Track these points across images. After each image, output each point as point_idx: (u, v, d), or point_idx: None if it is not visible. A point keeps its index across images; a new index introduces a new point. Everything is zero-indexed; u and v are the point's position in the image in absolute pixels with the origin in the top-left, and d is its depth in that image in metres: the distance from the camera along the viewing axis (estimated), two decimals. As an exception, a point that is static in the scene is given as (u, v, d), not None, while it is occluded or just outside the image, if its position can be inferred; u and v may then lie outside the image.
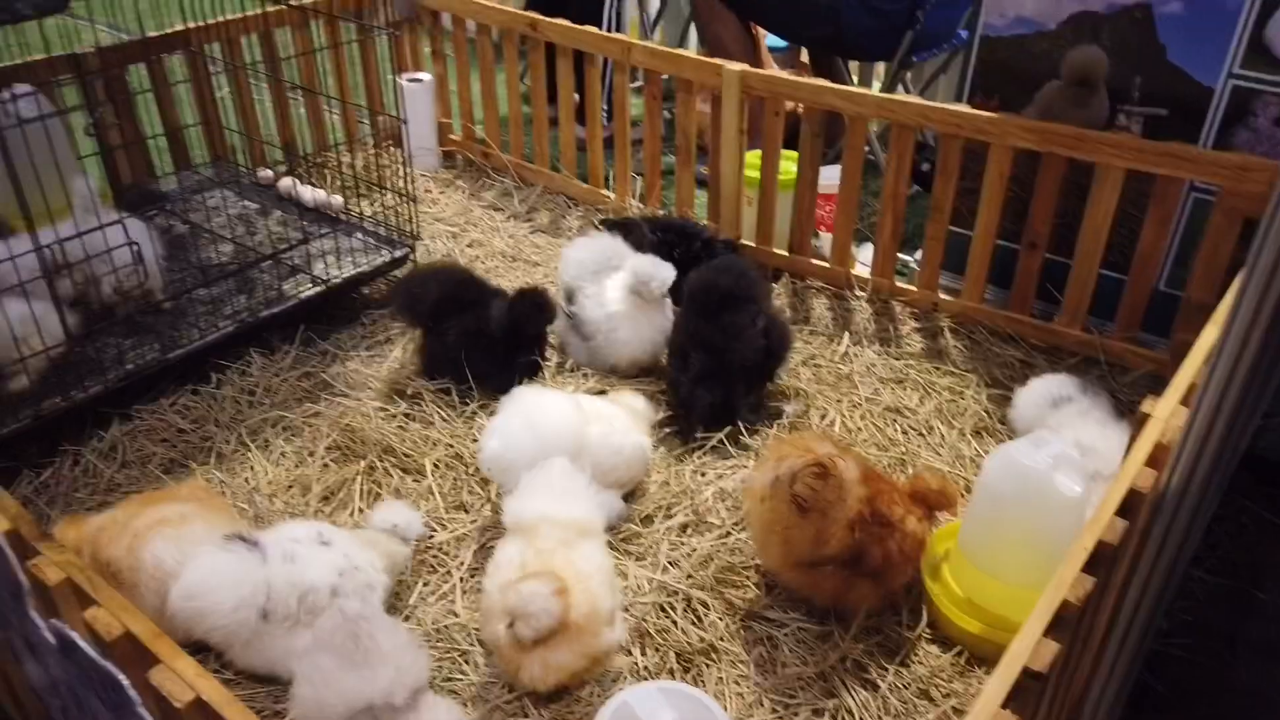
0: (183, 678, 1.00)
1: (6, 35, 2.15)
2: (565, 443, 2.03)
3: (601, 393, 2.49)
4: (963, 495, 2.23)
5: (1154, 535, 1.31)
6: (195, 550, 1.69)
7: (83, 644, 1.12)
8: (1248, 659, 1.91)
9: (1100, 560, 1.20)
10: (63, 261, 2.05)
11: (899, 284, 2.92)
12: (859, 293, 2.96)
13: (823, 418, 2.45)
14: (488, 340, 2.46)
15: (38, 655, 1.36)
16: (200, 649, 1.75)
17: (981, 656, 1.85)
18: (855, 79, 4.00)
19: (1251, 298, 1.11)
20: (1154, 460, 1.36)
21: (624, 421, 2.18)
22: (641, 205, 3.34)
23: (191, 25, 2.95)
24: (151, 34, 2.93)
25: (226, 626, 1.63)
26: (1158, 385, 2.53)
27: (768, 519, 1.84)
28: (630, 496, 2.19)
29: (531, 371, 2.55)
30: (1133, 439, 1.43)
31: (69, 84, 2.82)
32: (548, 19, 3.26)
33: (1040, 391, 2.24)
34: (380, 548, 1.85)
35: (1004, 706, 1.02)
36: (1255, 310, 1.12)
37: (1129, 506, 1.29)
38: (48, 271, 2.01)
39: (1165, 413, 1.41)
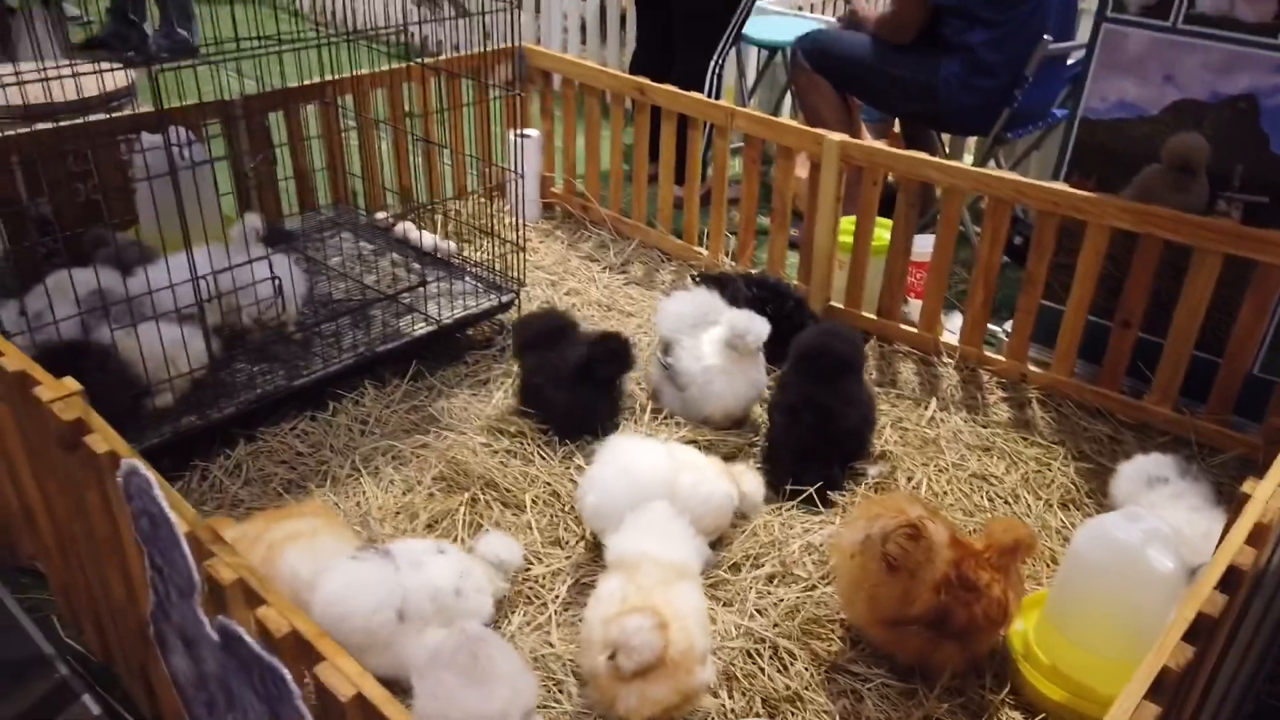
0: (346, 675, 1.11)
1: (168, 81, 2.38)
2: (658, 490, 2.13)
3: (695, 443, 2.58)
4: (1048, 565, 2.26)
5: (1254, 610, 1.35)
6: (328, 561, 1.83)
7: (249, 639, 1.24)
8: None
9: (1200, 631, 1.25)
10: (215, 291, 2.23)
11: (987, 353, 2.97)
12: (946, 359, 3.01)
13: (909, 480, 2.51)
14: (567, 379, 2.58)
15: (192, 650, 1.49)
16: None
17: (1064, 726, 1.87)
18: (947, 149, 4.09)
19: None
20: (1253, 539, 1.40)
21: (713, 471, 2.27)
22: (734, 264, 3.46)
23: (328, 78, 3.18)
24: (291, 85, 3.17)
25: (368, 628, 1.76)
26: (1247, 468, 2.54)
27: (856, 576, 1.91)
28: (717, 545, 2.27)
29: (603, 418, 2.64)
30: (1232, 518, 1.47)
31: (213, 126, 3.07)
32: (655, 84, 3.43)
33: (1139, 469, 2.27)
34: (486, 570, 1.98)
35: (1106, 763, 1.07)
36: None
37: (1228, 581, 1.33)
38: (200, 300, 2.20)
39: (1266, 494, 1.45)
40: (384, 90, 3.44)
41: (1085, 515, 2.39)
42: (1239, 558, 1.35)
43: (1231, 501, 2.32)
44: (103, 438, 1.50)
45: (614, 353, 2.63)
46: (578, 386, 2.58)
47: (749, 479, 2.30)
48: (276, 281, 2.34)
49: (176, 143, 2.05)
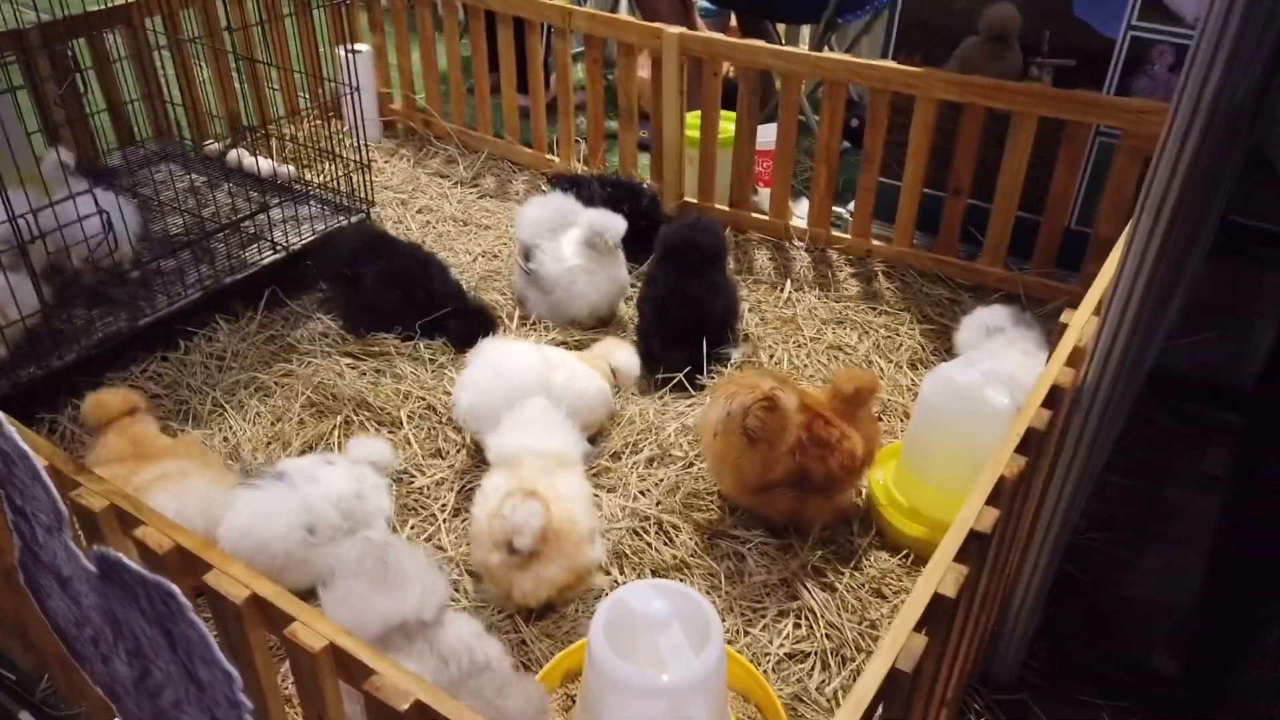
0: (237, 579, 1.11)
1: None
2: (532, 390, 2.17)
3: (564, 344, 2.62)
4: (902, 420, 2.43)
5: (1074, 425, 1.51)
6: (196, 500, 1.80)
7: (129, 562, 1.22)
8: (1156, 548, 2.15)
9: (1030, 443, 1.39)
10: (36, 232, 2.09)
11: (834, 233, 3.11)
12: (797, 243, 3.14)
13: (770, 357, 2.63)
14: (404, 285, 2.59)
15: (68, 588, 1.45)
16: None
17: (926, 558, 2.03)
18: (783, 40, 4.16)
19: (1146, 220, 1.30)
20: (1072, 361, 1.55)
21: (584, 368, 2.32)
22: (586, 168, 3.46)
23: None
24: (93, 9, 2.93)
25: (286, 550, 1.77)
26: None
27: (720, 450, 2.01)
28: (597, 439, 2.34)
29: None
30: (1053, 344, 1.62)
31: (10, 62, 2.81)
32: (487, -13, 3.34)
33: (977, 320, 2.44)
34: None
35: (955, 560, 1.19)
36: (1150, 229, 1.32)
37: (1052, 399, 1.48)
38: (21, 242, 2.05)
39: (1081, 321, 1.61)
40: (192, 11, 3.22)
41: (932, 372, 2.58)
42: (1060, 377, 1.50)
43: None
44: (-66, 385, 1.41)
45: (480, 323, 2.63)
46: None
47: (620, 353, 2.37)
48: (104, 216, 2.20)
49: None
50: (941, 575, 1.14)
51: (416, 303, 2.59)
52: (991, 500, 1.29)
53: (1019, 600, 1.71)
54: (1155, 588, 2.06)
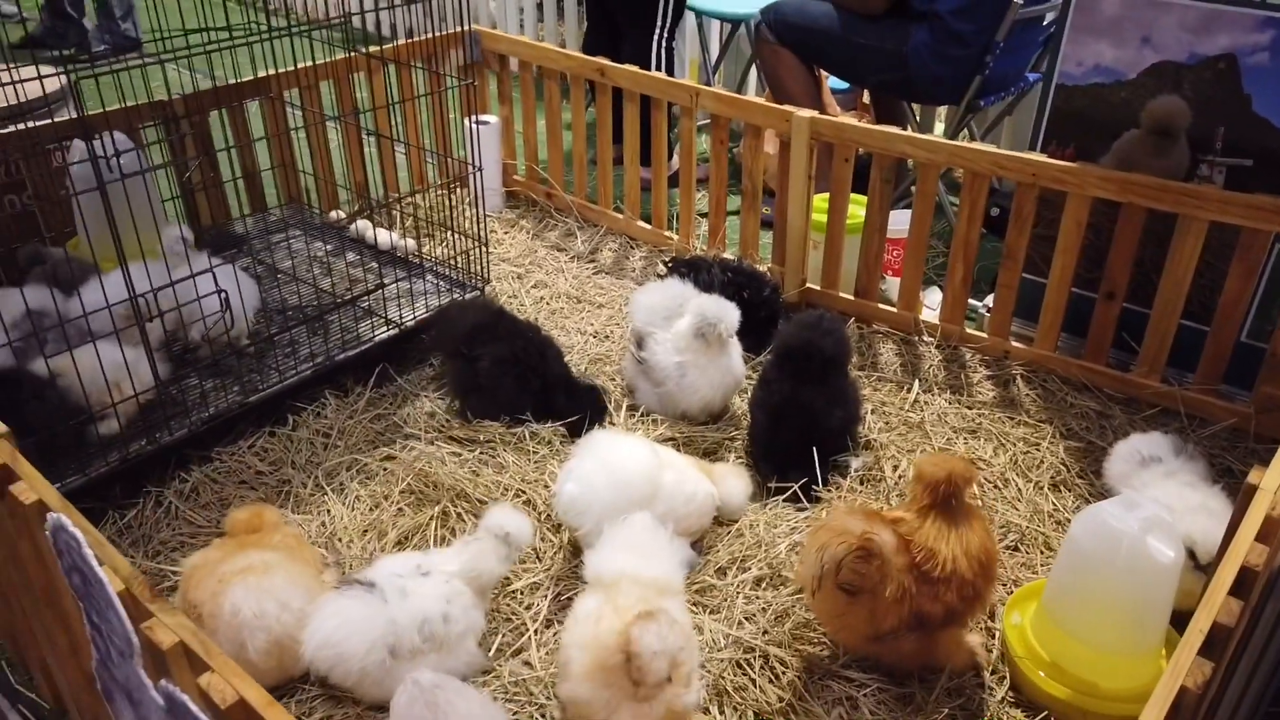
0: (298, 748, 1.01)
1: (97, 82, 2.23)
2: (641, 489, 2.04)
3: (673, 440, 2.49)
4: (1042, 552, 2.19)
5: (1267, 613, 1.28)
6: (274, 600, 1.74)
7: (194, 708, 1.14)
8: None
9: (1215, 642, 1.17)
10: (156, 310, 2.10)
11: (969, 330, 2.89)
12: (927, 339, 2.93)
13: (894, 469, 2.43)
14: (520, 370, 2.50)
15: (139, 710, 1.39)
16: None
17: (1067, 722, 1.81)
18: (918, 118, 3.99)
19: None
20: (1263, 535, 1.32)
21: (694, 471, 2.18)
22: (705, 248, 3.35)
23: (272, 72, 3.02)
24: (233, 80, 3.01)
25: (363, 669, 1.70)
26: (1239, 438, 2.48)
27: (824, 608, 1.83)
28: (701, 546, 2.19)
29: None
30: (1239, 511, 1.39)
31: (151, 127, 2.91)
32: (615, 65, 3.30)
33: (1131, 449, 2.20)
34: (474, 564, 1.87)
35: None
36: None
37: (1240, 583, 1.26)
38: (141, 320, 2.07)
39: (1275, 484, 1.38)
40: (330, 82, 3.29)
41: (1076, 496, 2.33)
42: (1250, 556, 1.28)
43: (1224, 474, 2.28)
44: (30, 486, 1.38)
45: (593, 404, 2.56)
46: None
47: (731, 483, 2.21)
48: (222, 294, 2.21)
49: (103, 153, 1.90)
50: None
51: (530, 389, 2.51)
52: (1171, 716, 1.08)
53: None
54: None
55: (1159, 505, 1.80)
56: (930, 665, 1.86)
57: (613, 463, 2.07)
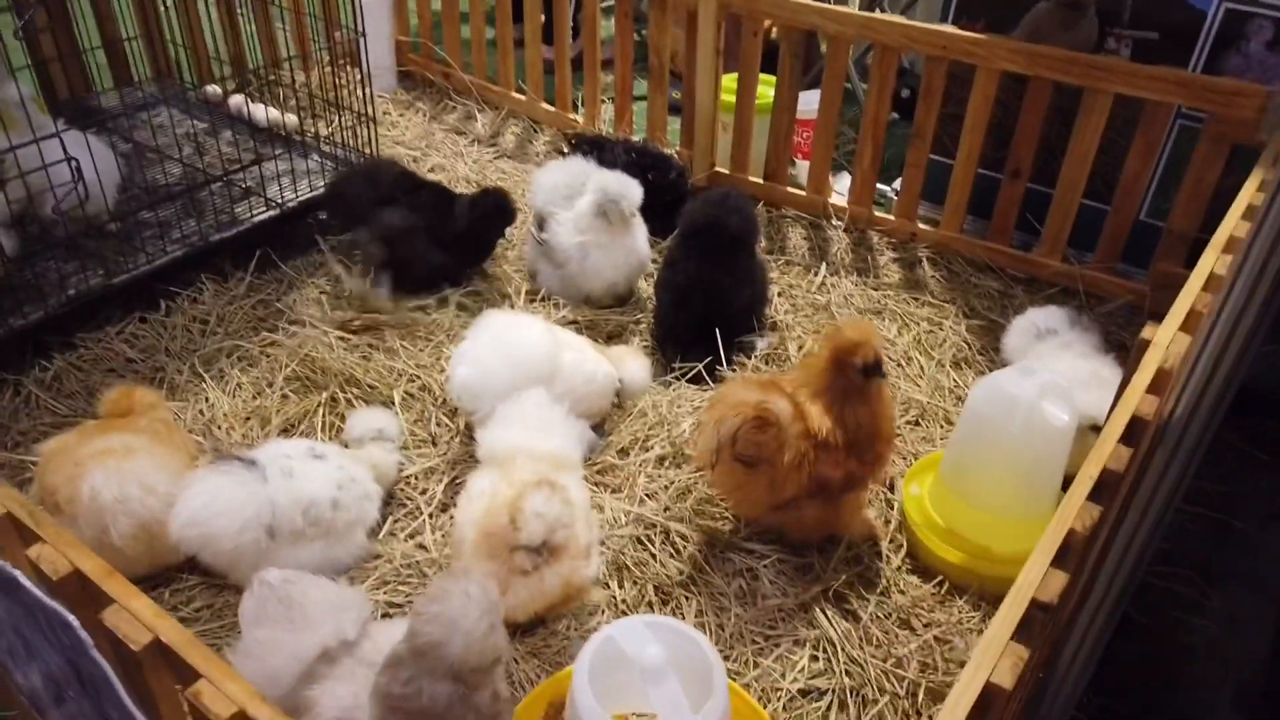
0: (139, 618, 0.92)
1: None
2: (539, 369, 1.96)
3: (575, 323, 2.41)
4: (942, 426, 2.20)
5: (1156, 463, 1.28)
6: (135, 484, 1.62)
7: (26, 582, 1.03)
8: (1223, 588, 1.92)
9: (1105, 488, 1.16)
10: (-6, 177, 1.90)
11: (877, 213, 2.86)
12: (836, 222, 2.89)
13: (799, 349, 2.39)
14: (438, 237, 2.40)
15: (-21, 594, 1.27)
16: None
17: (962, 586, 1.83)
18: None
19: (1272, 225, 1.06)
20: (1154, 387, 1.32)
21: (593, 353, 2.11)
22: (612, 132, 3.22)
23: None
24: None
25: (235, 549, 1.60)
26: (1134, 315, 2.52)
27: (724, 481, 1.79)
28: (603, 428, 2.13)
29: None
30: (1131, 366, 1.38)
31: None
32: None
33: (1028, 322, 2.21)
34: (369, 459, 1.82)
35: (1012, 638, 0.98)
36: (1275, 238, 1.07)
37: (1131, 433, 1.25)
38: (-23, 188, 1.86)
39: (1167, 339, 1.37)
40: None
41: (978, 373, 2.34)
42: (1142, 407, 1.27)
43: (1120, 349, 2.31)
44: None
45: (501, 208, 2.44)
46: (457, 249, 2.43)
47: (631, 365, 2.14)
48: (73, 163, 2.00)
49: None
50: (997, 659, 0.93)
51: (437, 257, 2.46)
52: (1058, 560, 1.06)
53: (1071, 652, 1.49)
54: (1221, 635, 1.83)
55: (1054, 372, 1.81)
56: (832, 533, 1.85)
57: (508, 343, 1.97)
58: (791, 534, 1.86)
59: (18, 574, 1.04)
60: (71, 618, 0.99)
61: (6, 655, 1.33)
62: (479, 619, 1.14)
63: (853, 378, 1.71)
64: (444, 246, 2.43)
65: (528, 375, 1.93)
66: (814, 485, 1.73)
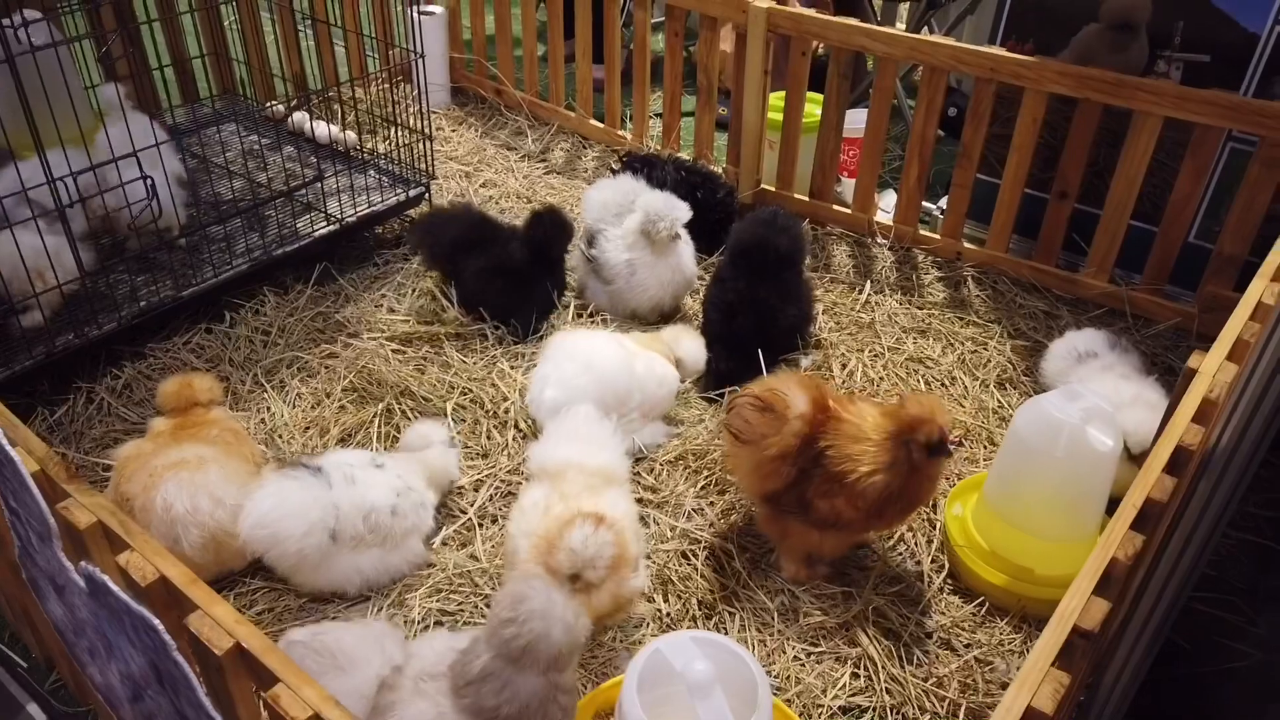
0: (221, 624, 0.98)
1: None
2: (621, 382, 2.07)
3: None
4: (985, 447, 2.21)
5: (1200, 492, 1.29)
6: (208, 495, 1.70)
7: (115, 588, 1.10)
8: (1267, 612, 1.91)
9: (1148, 517, 1.18)
10: (75, 196, 1.99)
11: (922, 232, 2.87)
12: (881, 240, 2.91)
13: (843, 368, 2.42)
14: (507, 276, 2.44)
15: (64, 596, 1.35)
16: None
17: (1003, 607, 1.84)
18: (878, 16, 3.89)
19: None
20: (1200, 416, 1.33)
21: (656, 356, 2.18)
22: (659, 147, 3.27)
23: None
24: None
25: (300, 551, 1.67)
26: (1182, 338, 2.51)
27: (727, 452, 1.86)
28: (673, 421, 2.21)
29: (549, 307, 2.52)
30: (1177, 394, 1.40)
31: (75, 10, 2.73)
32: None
33: (1068, 345, 2.21)
34: (428, 465, 1.89)
35: (1054, 664, 1.00)
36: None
37: (1175, 462, 1.27)
38: (60, 206, 1.96)
39: (1213, 368, 1.38)
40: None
41: (1022, 394, 2.35)
42: (1186, 436, 1.28)
43: (1166, 372, 2.30)
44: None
45: (558, 225, 2.47)
46: (522, 279, 2.46)
47: (686, 343, 2.22)
48: (149, 182, 2.09)
49: (12, 23, 1.77)
50: (1038, 684, 0.95)
51: (531, 297, 2.49)
52: (1100, 588, 1.09)
53: (1113, 677, 1.50)
54: (1265, 661, 1.82)
55: (1099, 396, 1.82)
56: (813, 555, 1.86)
57: (587, 361, 2.08)
58: (767, 534, 1.89)
59: (107, 579, 1.11)
60: (157, 621, 1.06)
61: (86, 654, 1.40)
62: (565, 605, 1.25)
63: (915, 455, 1.69)
64: (526, 280, 2.47)
65: (613, 390, 2.06)
66: (795, 497, 1.76)
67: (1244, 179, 2.32)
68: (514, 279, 2.44)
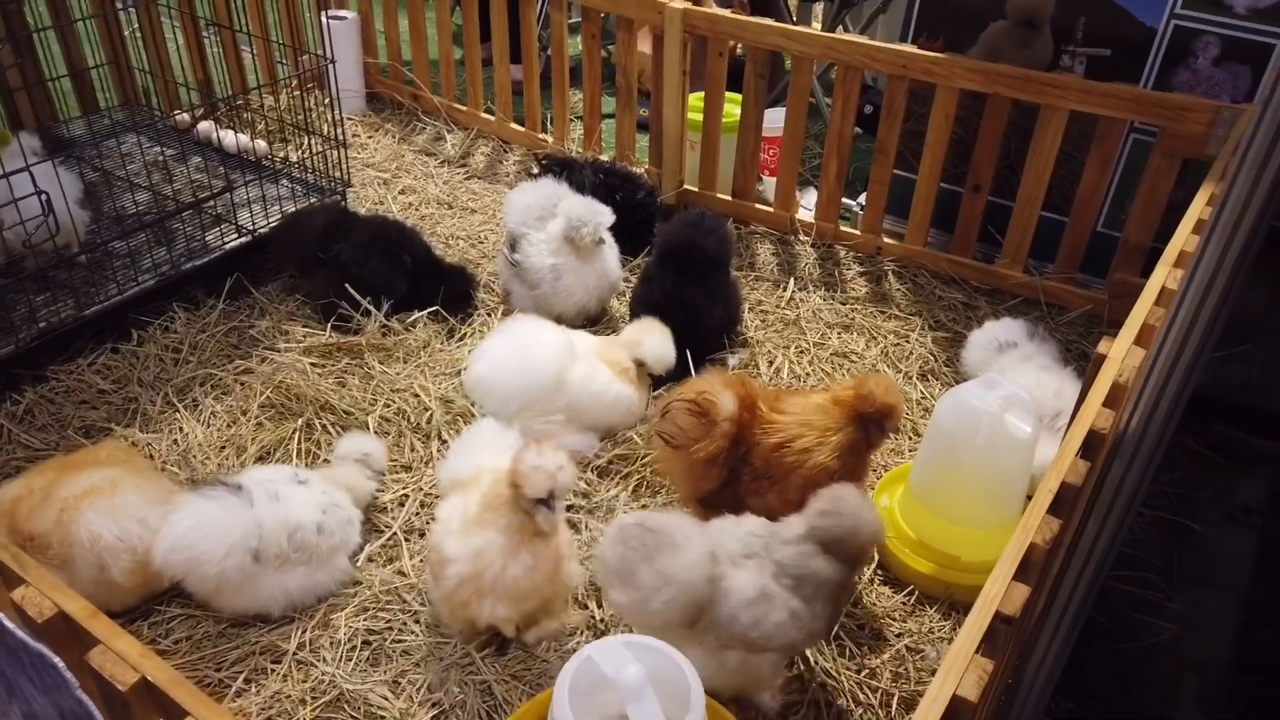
0: (125, 659, 0.94)
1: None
2: (546, 377, 2.06)
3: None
4: (910, 438, 2.25)
5: (1113, 474, 1.32)
6: (133, 516, 1.62)
7: (10, 625, 1.04)
8: (1183, 588, 1.97)
9: (1064, 501, 1.20)
10: (-37, 212, 1.89)
11: (843, 228, 2.91)
12: (803, 238, 2.94)
13: (770, 364, 2.44)
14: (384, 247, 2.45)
15: (-41, 635, 1.27)
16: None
17: (932, 595, 1.87)
18: (794, 17, 3.93)
19: (1218, 240, 1.11)
20: (1111, 400, 1.37)
21: (605, 371, 2.14)
22: (580, 150, 3.25)
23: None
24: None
25: (221, 573, 1.60)
26: (1094, 324, 2.59)
27: (657, 455, 1.86)
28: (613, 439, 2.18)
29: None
30: (1089, 380, 1.43)
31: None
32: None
33: (988, 335, 2.26)
34: (346, 483, 1.85)
35: (978, 651, 1.01)
36: (1221, 253, 1.12)
37: (1088, 446, 1.30)
38: (-53, 223, 1.86)
39: (1121, 353, 1.42)
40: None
41: (944, 385, 2.39)
42: (1098, 421, 1.31)
43: (1080, 358, 2.37)
44: None
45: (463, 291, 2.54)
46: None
47: (651, 341, 2.16)
48: (43, 197, 2.00)
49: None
50: (963, 673, 0.96)
51: (402, 266, 2.45)
52: (1020, 573, 1.10)
53: (1038, 659, 1.53)
54: (1183, 635, 1.88)
55: (1016, 385, 1.86)
56: None
57: (523, 348, 2.08)
58: None
59: (2, 616, 1.05)
60: (56, 659, 1.00)
61: (-13, 696, 1.33)
62: (874, 510, 1.50)
63: (870, 434, 1.76)
64: (402, 268, 2.48)
65: (537, 383, 2.06)
66: (730, 496, 1.76)
67: (1146, 169, 2.40)
68: (385, 255, 2.45)
